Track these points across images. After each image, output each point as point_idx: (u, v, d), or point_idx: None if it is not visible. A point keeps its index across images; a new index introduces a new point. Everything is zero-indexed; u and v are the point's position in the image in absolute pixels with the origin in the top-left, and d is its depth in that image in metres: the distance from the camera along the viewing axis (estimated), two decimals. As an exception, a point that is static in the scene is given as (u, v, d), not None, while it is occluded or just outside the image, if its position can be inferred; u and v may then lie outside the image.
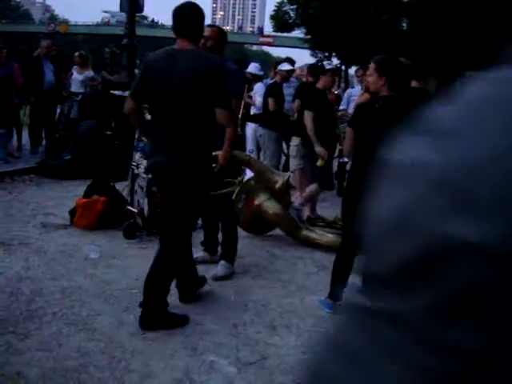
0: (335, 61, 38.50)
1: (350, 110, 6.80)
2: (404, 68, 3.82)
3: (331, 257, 4.23)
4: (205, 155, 3.64)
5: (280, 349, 3.49)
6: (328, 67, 6.38)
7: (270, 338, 3.63)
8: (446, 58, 20.34)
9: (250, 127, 8.00)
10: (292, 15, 39.36)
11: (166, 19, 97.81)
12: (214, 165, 4.04)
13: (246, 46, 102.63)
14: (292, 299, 4.28)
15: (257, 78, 8.29)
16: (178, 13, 3.53)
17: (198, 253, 4.89)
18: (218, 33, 4.44)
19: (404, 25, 31.09)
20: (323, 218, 6.12)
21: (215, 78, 3.48)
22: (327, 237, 5.47)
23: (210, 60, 3.58)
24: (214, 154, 4.28)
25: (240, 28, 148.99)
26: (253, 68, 8.54)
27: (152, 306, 3.60)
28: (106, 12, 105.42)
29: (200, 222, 4.92)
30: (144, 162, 5.14)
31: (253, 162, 5.24)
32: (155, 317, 3.61)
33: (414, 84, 7.18)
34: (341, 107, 7.77)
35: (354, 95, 7.48)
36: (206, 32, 4.20)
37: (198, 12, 3.56)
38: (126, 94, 6.79)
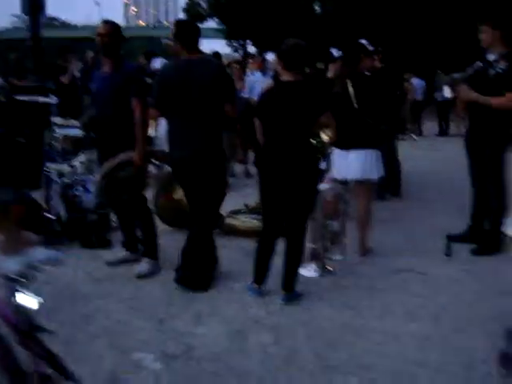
0: (251, 48, 38.58)
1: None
2: (301, 51, 3.88)
3: (255, 242, 4.27)
4: (221, 148, 4.27)
5: (206, 338, 3.52)
6: None
7: (196, 329, 3.66)
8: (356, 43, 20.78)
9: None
10: (204, 6, 39.16)
11: (78, 20, 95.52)
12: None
13: (163, 40, 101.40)
14: (217, 287, 4.32)
15: None
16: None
17: (120, 253, 4.86)
18: (112, 29, 4.40)
19: (317, 8, 31.46)
20: (246, 205, 6.17)
21: (222, 79, 4.18)
22: (250, 223, 5.53)
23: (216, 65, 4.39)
24: (127, 156, 4.29)
25: (156, 22, 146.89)
26: (158, 63, 8.51)
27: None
28: (15, 16, 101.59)
29: (117, 222, 4.91)
30: (55, 167, 5.06)
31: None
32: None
33: (320, 66, 7.34)
34: (245, 95, 7.82)
35: (256, 81, 7.58)
36: (100, 29, 4.17)
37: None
38: (38, 98, 6.70)
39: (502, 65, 4.94)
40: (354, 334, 3.58)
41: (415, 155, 9.25)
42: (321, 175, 5.01)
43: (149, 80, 6.15)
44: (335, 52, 6.41)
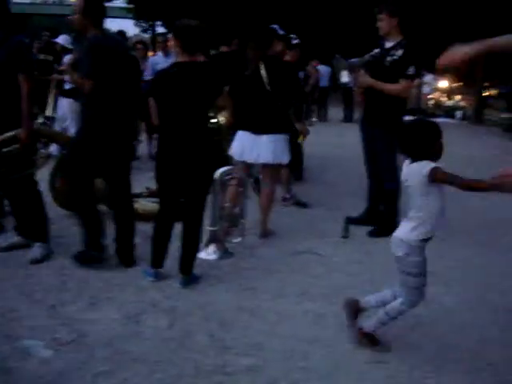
0: (161, 29, 37.84)
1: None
2: (197, 31, 3.83)
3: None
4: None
5: (100, 323, 3.44)
6: None
7: (89, 314, 3.56)
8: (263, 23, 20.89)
9: (66, 102, 7.74)
10: (111, -17, 37.99)
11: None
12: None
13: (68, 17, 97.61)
14: (114, 273, 4.23)
15: (66, 50, 7.99)
16: None
17: (13, 238, 4.66)
18: None
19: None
20: (147, 188, 6.07)
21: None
22: (150, 206, 5.44)
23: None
24: (13, 133, 4.09)
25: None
26: (63, 39, 8.21)
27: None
28: None
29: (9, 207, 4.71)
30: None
31: (63, 137, 5.04)
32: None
33: (223, 48, 7.32)
34: (147, 77, 7.69)
35: (158, 63, 7.46)
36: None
37: None
38: None
39: (398, 52, 5.11)
40: (249, 315, 3.61)
41: (318, 140, 9.42)
42: (223, 158, 5.03)
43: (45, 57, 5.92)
44: (294, 39, 6.44)
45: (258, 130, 4.88)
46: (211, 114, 4.55)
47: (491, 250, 5.07)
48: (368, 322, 3.26)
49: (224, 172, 4.61)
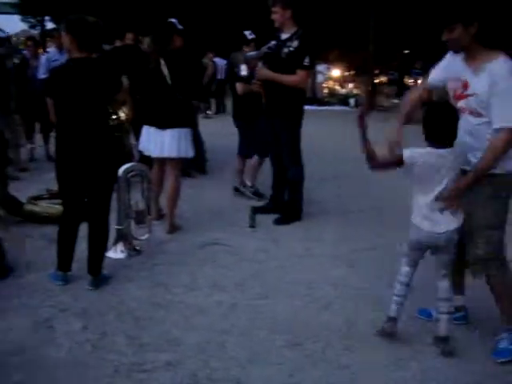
0: (50, 25, 36.39)
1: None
2: (93, 27, 3.75)
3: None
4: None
5: (10, 332, 3.30)
6: None
7: (-5, 324, 3.43)
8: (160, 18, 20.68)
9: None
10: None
11: None
12: None
13: None
14: (21, 279, 4.07)
15: None
16: None
17: None
18: None
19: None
20: (48, 190, 5.87)
21: None
22: (53, 208, 5.28)
23: None
24: None
25: None
26: None
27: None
28: None
29: None
30: None
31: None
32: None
33: (117, 43, 7.18)
34: (42, 76, 7.43)
35: (55, 58, 7.24)
36: None
37: None
38: None
39: (294, 43, 5.23)
40: (163, 311, 3.61)
41: (220, 132, 9.47)
42: (126, 154, 4.97)
43: None
44: (249, 34, 6.45)
45: (161, 124, 4.89)
46: (111, 110, 4.46)
47: (390, 230, 5.32)
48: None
49: (127, 169, 4.55)
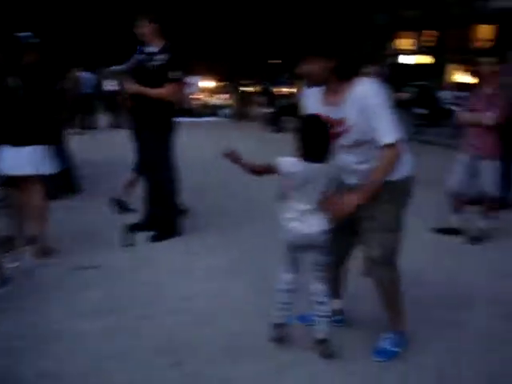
0: None
1: None
2: None
3: None
4: None
5: None
6: None
7: None
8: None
9: None
10: None
11: None
12: None
13: None
14: None
15: None
16: None
17: None
18: None
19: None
20: None
21: None
22: None
23: None
24: None
25: None
26: None
27: None
28: None
29: None
30: None
31: None
32: None
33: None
34: None
35: None
36: None
37: None
38: None
39: (162, 57, 5.18)
40: (39, 341, 3.39)
41: (88, 148, 9.19)
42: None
43: None
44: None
45: (16, 142, 4.62)
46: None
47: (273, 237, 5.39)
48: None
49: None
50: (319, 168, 3.04)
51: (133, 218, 5.75)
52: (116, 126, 15.75)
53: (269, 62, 27.76)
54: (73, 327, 3.59)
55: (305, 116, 3.17)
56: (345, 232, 3.34)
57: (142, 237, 5.37)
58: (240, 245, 5.26)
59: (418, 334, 3.54)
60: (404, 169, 3.12)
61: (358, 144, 3.05)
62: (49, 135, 4.86)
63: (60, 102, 5.18)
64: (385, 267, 3.19)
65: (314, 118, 3.08)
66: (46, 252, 4.86)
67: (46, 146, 4.77)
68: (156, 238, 5.36)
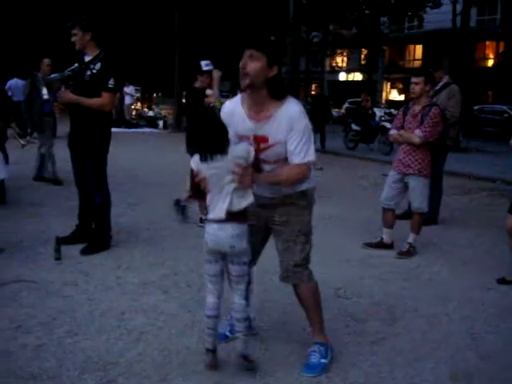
0: None
1: None
2: None
3: None
4: None
5: None
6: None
7: None
8: None
9: None
10: None
11: None
12: None
13: None
14: None
15: None
16: None
17: None
18: None
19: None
20: None
21: None
22: None
23: None
24: None
25: None
26: None
27: None
28: None
29: None
30: None
31: None
32: None
33: None
34: None
35: None
36: None
37: None
38: None
39: (97, 66, 5.09)
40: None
41: (21, 158, 8.92)
42: None
43: None
44: (204, 65, 6.39)
45: None
46: None
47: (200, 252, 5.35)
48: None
49: None
50: (219, 165, 3.00)
51: (64, 231, 5.59)
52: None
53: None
54: (-4, 345, 3.45)
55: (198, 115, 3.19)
56: (258, 234, 3.36)
57: (72, 250, 5.23)
58: (172, 259, 5.20)
59: (347, 348, 3.59)
60: (312, 181, 3.30)
61: (276, 161, 3.14)
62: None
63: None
64: (304, 272, 3.28)
65: (206, 116, 3.14)
66: None
67: None
68: (87, 251, 5.23)
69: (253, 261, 3.39)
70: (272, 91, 3.03)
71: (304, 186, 3.24)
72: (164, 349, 3.48)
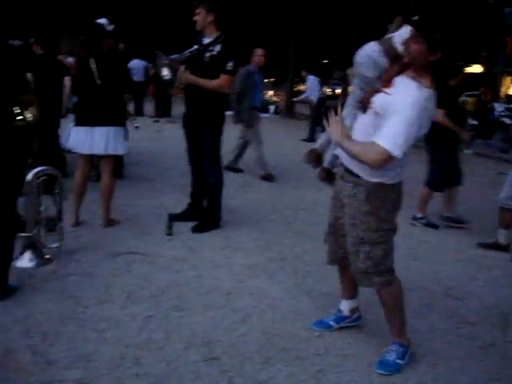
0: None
1: None
2: None
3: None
4: None
5: None
6: None
7: None
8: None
9: None
10: None
11: None
12: None
13: None
14: None
15: None
16: None
17: None
18: None
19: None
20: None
21: None
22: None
23: None
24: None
25: None
26: None
27: None
28: None
29: None
30: None
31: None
32: None
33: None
34: None
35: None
36: None
37: None
38: None
39: (217, 48, 5.14)
40: (73, 325, 3.41)
41: (137, 136, 9.25)
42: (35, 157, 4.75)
43: None
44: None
45: (91, 122, 5.01)
46: (17, 111, 4.23)
47: (308, 239, 5.33)
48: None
49: (38, 173, 4.30)
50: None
51: (176, 208, 5.75)
52: (167, 114, 15.93)
53: (321, 61, 27.66)
54: (103, 313, 3.60)
55: None
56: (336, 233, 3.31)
57: (184, 227, 5.37)
58: (278, 244, 5.20)
59: (456, 350, 3.43)
60: (395, 175, 3.01)
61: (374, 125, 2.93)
62: (122, 117, 5.21)
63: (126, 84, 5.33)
64: (374, 278, 3.11)
65: None
66: (110, 223, 5.35)
67: (119, 128, 5.10)
68: (198, 229, 5.35)
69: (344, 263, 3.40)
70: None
71: (381, 178, 2.98)
72: (267, 332, 3.48)
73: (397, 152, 2.76)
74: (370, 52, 3.09)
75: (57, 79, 6.65)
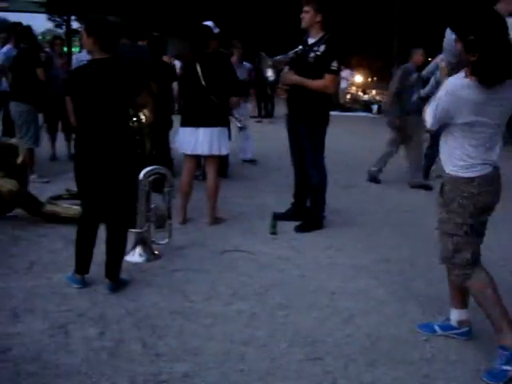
0: (75, 24, 36.70)
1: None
2: (114, 28, 3.69)
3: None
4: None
5: (24, 337, 3.23)
6: None
7: (12, 328, 3.34)
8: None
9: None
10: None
11: None
12: None
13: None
14: (37, 281, 4.01)
15: None
16: None
17: None
18: None
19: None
20: (68, 190, 5.83)
21: None
22: (73, 209, 5.22)
23: None
24: None
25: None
26: None
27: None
28: None
29: None
30: None
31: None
32: None
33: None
34: None
35: (82, 59, 7.22)
36: None
37: None
38: None
39: (321, 48, 5.12)
40: (181, 319, 3.51)
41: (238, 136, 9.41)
42: (147, 157, 4.96)
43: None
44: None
45: (196, 123, 5.17)
46: (132, 113, 4.44)
47: (415, 241, 5.19)
48: None
49: (148, 172, 4.47)
50: None
51: (279, 208, 5.79)
52: (270, 115, 16.07)
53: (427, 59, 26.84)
54: (210, 308, 3.68)
55: None
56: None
57: (287, 226, 5.39)
58: (384, 246, 5.10)
59: None
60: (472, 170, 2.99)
61: None
62: (225, 118, 5.38)
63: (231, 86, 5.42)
64: (454, 271, 3.14)
65: None
66: (215, 221, 5.47)
67: (223, 128, 5.26)
68: (301, 229, 5.36)
69: None
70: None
71: (452, 169, 3.05)
72: (371, 334, 3.42)
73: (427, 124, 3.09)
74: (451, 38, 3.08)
75: (167, 81, 6.87)
